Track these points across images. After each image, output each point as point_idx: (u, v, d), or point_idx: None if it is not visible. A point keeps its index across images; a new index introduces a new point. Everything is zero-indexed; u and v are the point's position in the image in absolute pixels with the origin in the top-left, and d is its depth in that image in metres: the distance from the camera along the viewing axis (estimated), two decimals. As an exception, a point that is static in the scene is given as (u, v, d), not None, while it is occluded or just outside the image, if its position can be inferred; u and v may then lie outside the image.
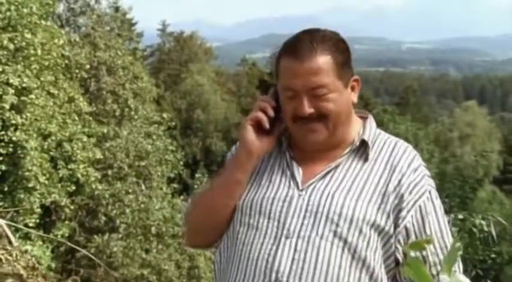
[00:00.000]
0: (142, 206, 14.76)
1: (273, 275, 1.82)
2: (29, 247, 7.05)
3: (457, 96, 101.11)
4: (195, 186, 18.18)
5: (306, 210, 1.87)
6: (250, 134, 1.96)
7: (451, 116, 46.44)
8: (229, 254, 1.97)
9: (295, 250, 1.84)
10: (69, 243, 9.70)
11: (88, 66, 14.39)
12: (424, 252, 1.85)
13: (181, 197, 16.86)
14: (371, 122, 2.02)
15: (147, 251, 15.03)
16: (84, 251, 10.94)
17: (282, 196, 1.91)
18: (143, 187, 15.18)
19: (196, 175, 18.75)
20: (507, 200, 33.77)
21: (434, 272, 1.86)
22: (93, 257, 10.25)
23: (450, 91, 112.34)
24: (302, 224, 1.86)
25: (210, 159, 33.08)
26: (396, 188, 1.88)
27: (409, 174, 1.91)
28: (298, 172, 1.94)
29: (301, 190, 1.90)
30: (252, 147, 1.96)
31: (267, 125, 1.95)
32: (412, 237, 1.86)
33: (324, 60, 1.86)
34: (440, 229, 1.91)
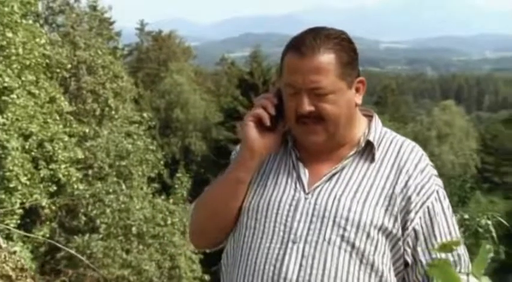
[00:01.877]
0: (122, 206, 14.68)
1: (281, 281, 1.80)
2: (17, 248, 6.98)
3: (434, 96, 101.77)
4: (176, 186, 18.10)
5: (313, 215, 1.84)
6: (251, 130, 1.93)
7: (429, 115, 46.72)
8: (235, 257, 1.94)
9: (302, 256, 1.81)
10: (59, 245, 9.62)
11: (69, 66, 14.29)
12: (434, 256, 1.84)
13: (162, 197, 16.78)
14: (376, 121, 1.99)
15: (127, 251, 14.94)
16: (72, 252, 10.87)
17: (288, 199, 1.88)
18: (124, 187, 15.08)
19: (177, 175, 18.65)
20: (483, 199, 34.08)
21: None
22: (82, 257, 10.18)
23: (427, 90, 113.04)
24: (309, 228, 1.83)
25: (189, 158, 32.95)
26: (403, 190, 1.86)
27: (416, 175, 1.88)
28: (305, 174, 1.91)
29: (308, 193, 1.88)
30: (253, 145, 1.93)
31: (267, 122, 1.92)
32: (421, 239, 1.85)
33: (326, 58, 1.83)
34: (449, 230, 1.88)
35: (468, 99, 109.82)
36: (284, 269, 1.81)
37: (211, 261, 20.84)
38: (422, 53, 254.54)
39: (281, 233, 1.85)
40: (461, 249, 1.87)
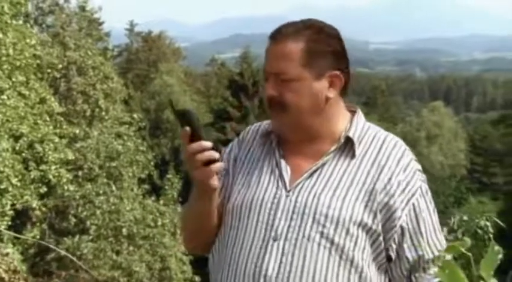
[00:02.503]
0: (113, 207, 14.64)
1: (261, 279, 1.82)
2: (10, 250, 6.95)
3: (423, 97, 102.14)
4: (166, 187, 18.06)
5: (293, 212, 1.85)
6: (208, 180, 1.85)
7: (418, 116, 46.90)
8: (220, 257, 1.96)
9: (282, 253, 1.82)
10: (51, 246, 9.58)
11: (60, 66, 14.25)
12: (419, 252, 1.86)
13: (152, 198, 16.74)
14: (358, 117, 1.99)
15: (117, 253, 14.91)
16: (66, 254, 10.83)
17: (270, 197, 1.89)
18: (114, 188, 15.05)
19: (168, 176, 18.60)
20: (473, 200, 34.22)
21: (426, 266, 1.87)
22: (74, 259, 10.14)
23: (416, 91, 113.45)
24: (289, 226, 1.84)
25: (179, 159, 32.89)
26: (386, 186, 1.86)
27: (399, 171, 1.88)
28: (287, 171, 1.92)
29: (289, 191, 1.88)
30: (210, 187, 1.87)
31: (216, 157, 1.83)
32: (407, 236, 1.86)
33: (294, 46, 1.85)
34: (433, 227, 1.90)
35: (457, 100, 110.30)
36: (264, 266, 1.82)
37: (202, 263, 20.85)
38: (411, 53, 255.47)
39: (263, 231, 1.86)
40: (444, 242, 1.91)
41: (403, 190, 1.86)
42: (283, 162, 1.94)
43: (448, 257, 1.73)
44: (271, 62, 1.88)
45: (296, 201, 1.86)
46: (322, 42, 1.88)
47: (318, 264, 1.81)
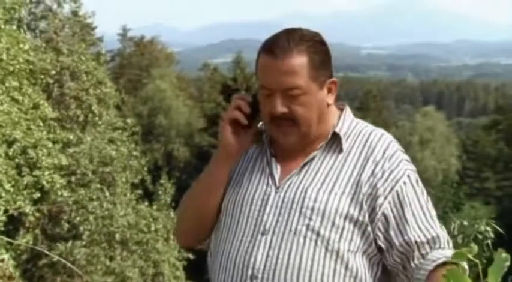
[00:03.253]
0: (106, 212, 14.59)
1: (249, 272, 1.88)
2: (5, 256, 6.92)
3: (415, 101, 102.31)
4: (160, 192, 18.04)
5: (281, 207, 1.91)
6: (227, 134, 2.02)
7: (410, 120, 47.01)
8: (214, 254, 2.03)
9: (269, 246, 1.88)
10: (46, 252, 9.54)
11: (53, 72, 14.20)
12: (406, 237, 1.88)
13: (146, 203, 16.70)
14: (346, 113, 2.04)
15: (111, 258, 14.86)
16: (61, 259, 10.77)
17: (260, 195, 1.96)
18: (107, 193, 15.00)
19: (161, 181, 18.58)
20: (465, 204, 34.25)
21: (423, 252, 1.88)
22: (70, 264, 10.10)
23: (408, 96, 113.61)
24: (277, 220, 1.90)
25: (172, 164, 32.88)
26: (370, 178, 1.91)
27: (383, 162, 1.93)
28: (276, 169, 1.98)
29: (278, 187, 1.95)
30: (230, 146, 2.02)
31: (244, 121, 2.00)
32: (392, 223, 1.89)
33: (299, 60, 1.88)
34: (422, 211, 1.91)
35: (449, 105, 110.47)
36: (252, 259, 1.89)
37: (195, 268, 20.80)
38: (403, 59, 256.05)
39: (252, 227, 1.93)
40: (438, 227, 1.93)
41: (387, 179, 1.91)
42: (273, 161, 2.01)
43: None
44: (276, 78, 1.89)
45: (284, 197, 1.93)
46: (320, 52, 1.94)
47: (304, 256, 1.86)
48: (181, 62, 51.94)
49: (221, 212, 2.04)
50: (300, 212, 1.89)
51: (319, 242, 1.86)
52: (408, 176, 1.94)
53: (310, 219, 1.88)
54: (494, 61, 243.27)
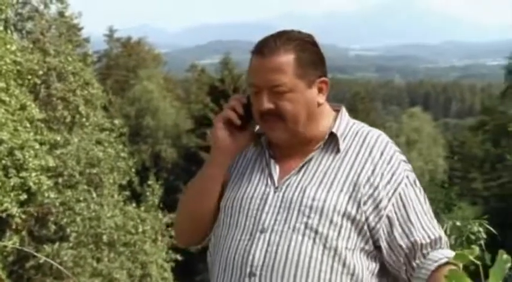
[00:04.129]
0: (93, 214, 14.55)
1: (248, 269, 1.91)
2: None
3: (402, 102, 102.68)
4: (147, 193, 18.00)
5: (280, 206, 1.95)
6: (220, 131, 2.07)
7: (397, 121, 47.21)
8: (214, 253, 2.06)
9: (268, 244, 1.91)
10: (35, 253, 9.47)
11: (40, 73, 14.13)
12: (412, 239, 1.92)
13: (133, 205, 16.66)
14: (342, 114, 2.08)
15: (98, 260, 14.84)
16: (45, 259, 10.71)
17: (259, 194, 1.99)
18: (94, 195, 14.96)
19: (149, 182, 18.54)
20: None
21: (425, 252, 1.93)
22: (57, 264, 10.04)
23: (395, 97, 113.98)
24: (276, 219, 1.94)
25: (159, 166, 32.80)
26: (370, 178, 1.95)
27: (383, 163, 1.97)
28: (275, 170, 2.02)
29: (277, 187, 1.99)
30: (222, 144, 2.06)
31: (237, 122, 2.05)
32: (396, 225, 1.93)
33: (285, 58, 1.94)
34: (424, 212, 1.97)
35: (435, 106, 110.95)
36: (250, 257, 1.91)
37: (183, 269, 20.75)
38: (390, 60, 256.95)
39: (250, 225, 1.96)
40: (438, 227, 1.99)
41: (389, 181, 1.95)
42: (272, 162, 2.04)
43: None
44: (263, 76, 1.95)
45: (283, 196, 1.97)
46: (309, 52, 1.99)
47: (302, 253, 1.89)
48: (169, 63, 51.86)
49: (221, 213, 2.06)
50: (299, 211, 1.92)
51: (317, 240, 1.89)
52: (407, 177, 1.99)
53: (308, 217, 1.91)
54: (481, 62, 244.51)
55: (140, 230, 15.55)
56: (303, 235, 1.90)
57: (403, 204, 1.94)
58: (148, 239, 15.94)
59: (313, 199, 1.92)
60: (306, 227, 1.90)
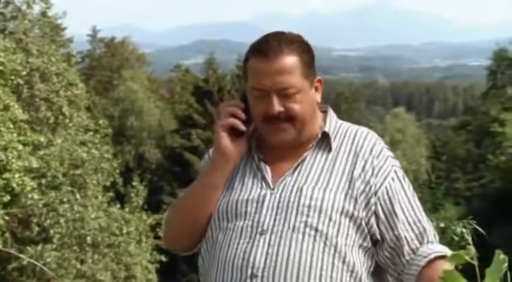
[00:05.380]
0: (77, 215, 14.47)
1: (249, 271, 1.90)
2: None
3: (385, 103, 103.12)
4: (132, 194, 17.92)
5: (278, 207, 1.95)
6: (225, 140, 2.04)
7: (381, 122, 47.37)
8: (209, 258, 2.03)
9: (269, 245, 1.91)
10: (20, 255, 9.41)
11: (24, 73, 14.02)
12: (396, 232, 1.94)
13: (118, 206, 16.59)
14: (331, 114, 2.12)
15: (82, 262, 14.75)
16: (29, 260, 10.63)
17: (255, 197, 1.99)
18: (78, 196, 14.87)
19: (133, 183, 18.45)
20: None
21: (413, 247, 1.94)
22: (41, 265, 9.97)
23: (379, 98, 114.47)
24: (275, 220, 1.93)
25: (143, 166, 32.67)
26: (361, 175, 1.98)
27: (372, 159, 2.00)
28: (268, 173, 2.03)
29: (273, 189, 1.99)
30: (228, 152, 2.04)
31: (243, 127, 2.04)
32: (382, 218, 1.96)
33: (291, 60, 1.95)
34: (411, 206, 1.99)
35: (419, 106, 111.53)
36: (252, 258, 1.90)
37: (167, 271, 20.70)
38: (374, 60, 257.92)
39: (249, 229, 1.95)
40: (426, 222, 2.00)
41: (376, 175, 1.98)
42: (262, 165, 2.05)
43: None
44: (271, 79, 1.94)
45: (280, 197, 1.96)
46: (308, 52, 2.01)
47: (303, 251, 1.89)
48: (152, 63, 51.70)
49: (214, 216, 2.05)
50: (297, 210, 1.93)
51: (317, 238, 1.90)
52: (395, 171, 2.02)
53: (307, 216, 1.92)
54: (463, 63, 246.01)
55: (124, 231, 15.48)
56: (303, 234, 1.90)
57: (389, 197, 1.97)
58: (132, 240, 15.88)
59: (311, 198, 1.93)
60: (305, 225, 1.91)
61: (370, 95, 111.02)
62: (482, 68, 39.40)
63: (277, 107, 1.94)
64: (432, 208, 28.56)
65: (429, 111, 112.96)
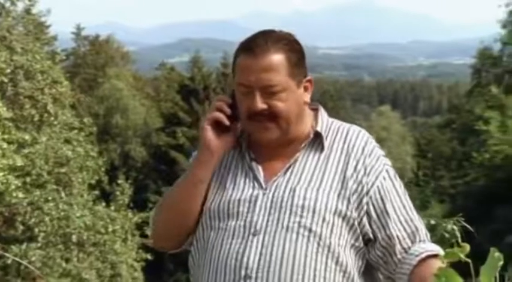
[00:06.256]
0: (62, 213, 14.38)
1: (242, 272, 1.89)
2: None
3: (371, 101, 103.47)
4: (117, 193, 17.86)
5: (271, 207, 1.94)
6: (209, 133, 2.04)
7: (367, 120, 47.57)
8: (200, 258, 2.02)
9: (262, 245, 1.90)
10: (3, 253, 9.34)
11: (8, 71, 13.92)
12: (388, 231, 1.95)
13: (103, 204, 16.53)
14: (322, 113, 2.11)
15: (67, 260, 14.68)
16: (15, 258, 10.56)
17: (247, 197, 1.98)
18: (63, 194, 14.78)
19: (119, 181, 18.40)
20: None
21: (405, 246, 1.95)
22: (27, 264, 9.91)
23: (364, 96, 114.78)
24: (268, 220, 1.93)
25: (128, 164, 32.60)
26: (353, 174, 1.98)
27: (364, 158, 2.00)
28: (260, 173, 2.02)
29: (265, 189, 1.98)
30: (212, 145, 2.03)
31: (226, 122, 2.03)
32: (374, 217, 1.96)
33: (277, 58, 1.94)
34: (403, 204, 2.00)
35: (404, 104, 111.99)
36: (245, 259, 1.90)
37: (153, 269, 20.66)
38: (359, 58, 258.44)
39: (242, 229, 1.94)
40: (418, 220, 2.02)
41: (368, 174, 1.99)
42: (254, 164, 2.04)
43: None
44: (255, 76, 1.94)
45: (273, 197, 1.96)
46: (296, 51, 2.01)
47: (297, 252, 1.89)
48: (137, 61, 51.58)
49: (204, 216, 2.04)
50: (291, 210, 1.92)
51: (311, 238, 1.90)
52: (387, 171, 2.02)
53: (301, 216, 1.91)
54: (447, 61, 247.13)
55: (110, 229, 15.42)
56: (297, 234, 1.90)
57: (380, 197, 1.97)
58: (118, 239, 15.82)
59: (304, 198, 1.93)
60: (299, 226, 1.90)
61: (356, 93, 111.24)
62: (467, 66, 39.64)
63: (260, 103, 1.94)
64: (421, 206, 28.74)
65: (414, 109, 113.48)
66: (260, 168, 2.02)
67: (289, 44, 1.99)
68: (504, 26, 29.14)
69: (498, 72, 31.42)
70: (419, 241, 1.97)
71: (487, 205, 23.96)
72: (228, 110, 2.03)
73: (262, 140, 2.02)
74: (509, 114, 26.24)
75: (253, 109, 1.95)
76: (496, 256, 1.00)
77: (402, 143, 43.41)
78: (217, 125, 2.05)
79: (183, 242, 2.11)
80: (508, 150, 24.69)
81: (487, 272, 0.99)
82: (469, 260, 0.97)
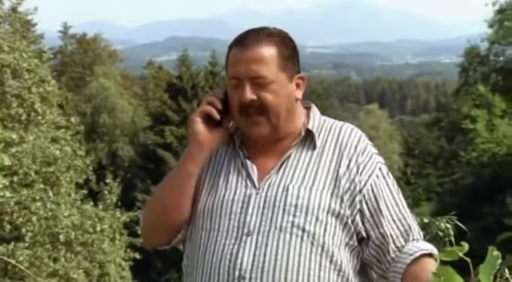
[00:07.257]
0: (50, 213, 14.31)
1: (236, 273, 1.88)
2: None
3: (358, 100, 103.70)
4: (105, 192, 17.79)
5: (264, 207, 1.94)
6: (198, 125, 2.03)
7: (354, 118, 47.66)
8: (193, 258, 2.01)
9: (256, 246, 1.90)
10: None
11: (-5, 69, 13.86)
12: (381, 230, 1.94)
13: (91, 203, 16.46)
14: (314, 111, 2.10)
15: (55, 260, 14.61)
16: (4, 258, 10.50)
17: (240, 197, 1.97)
18: (51, 194, 14.71)
19: (106, 180, 18.33)
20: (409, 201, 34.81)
21: (399, 245, 1.95)
22: (15, 262, 9.85)
23: (352, 95, 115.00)
24: (261, 220, 1.93)
25: (116, 164, 32.50)
26: (346, 173, 1.97)
27: (357, 157, 2.00)
28: (253, 171, 2.01)
29: (258, 188, 1.97)
30: (201, 138, 2.02)
31: (217, 116, 2.02)
32: (367, 215, 1.95)
33: (268, 50, 1.95)
34: (396, 203, 2.00)
35: (391, 103, 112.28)
36: (239, 260, 1.89)
37: (141, 268, 20.62)
38: (346, 57, 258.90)
39: (235, 229, 1.94)
40: (411, 218, 2.01)
41: (361, 173, 1.98)
42: (248, 162, 2.03)
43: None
44: (245, 67, 1.93)
45: (266, 197, 1.95)
46: (289, 47, 2.01)
47: (291, 251, 1.89)
48: (125, 60, 51.42)
49: (197, 215, 2.03)
50: (284, 210, 1.92)
51: (305, 238, 1.90)
52: (380, 168, 2.02)
53: (294, 215, 1.91)
54: (435, 60, 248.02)
55: (98, 228, 15.35)
56: (291, 234, 1.89)
57: (374, 195, 1.97)
58: (106, 238, 15.76)
59: (297, 197, 1.92)
60: (292, 225, 1.90)
61: (343, 92, 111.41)
62: (454, 65, 39.78)
63: (249, 94, 1.93)
64: (413, 204, 28.87)
65: (402, 108, 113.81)
66: (254, 166, 2.01)
67: (282, 40, 2.00)
68: (491, 25, 29.28)
69: (485, 71, 31.59)
70: (413, 240, 1.96)
71: (474, 203, 24.10)
72: (219, 105, 2.02)
73: (253, 135, 2.01)
74: (496, 113, 26.40)
75: (242, 100, 1.94)
76: (494, 255, 1.00)
77: (390, 142, 43.54)
78: (209, 119, 2.03)
79: (172, 237, 2.09)
80: (495, 148, 24.83)
81: (485, 270, 0.99)
82: (468, 259, 0.96)
